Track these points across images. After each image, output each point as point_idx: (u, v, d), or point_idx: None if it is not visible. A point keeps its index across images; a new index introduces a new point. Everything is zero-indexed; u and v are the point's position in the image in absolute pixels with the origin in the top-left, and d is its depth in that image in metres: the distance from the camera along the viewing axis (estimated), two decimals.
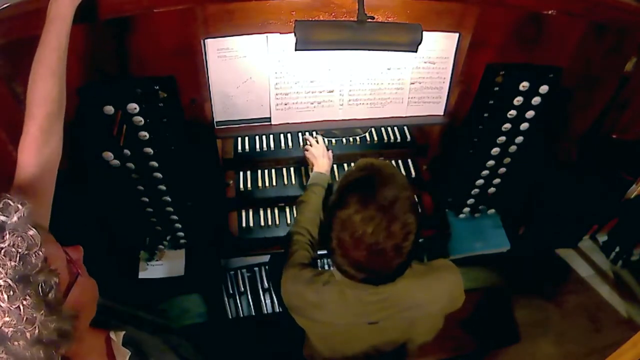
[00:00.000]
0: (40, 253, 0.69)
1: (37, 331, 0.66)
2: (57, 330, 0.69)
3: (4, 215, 0.69)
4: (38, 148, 0.97)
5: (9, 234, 0.67)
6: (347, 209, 0.99)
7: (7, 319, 0.64)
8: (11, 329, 0.64)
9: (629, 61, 1.57)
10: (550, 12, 1.42)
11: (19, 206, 0.71)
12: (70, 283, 0.77)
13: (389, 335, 1.25)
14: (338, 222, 1.00)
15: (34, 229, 0.70)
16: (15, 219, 0.69)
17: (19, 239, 0.67)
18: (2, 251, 0.66)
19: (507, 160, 1.83)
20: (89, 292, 0.84)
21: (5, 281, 0.64)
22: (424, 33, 1.27)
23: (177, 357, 1.13)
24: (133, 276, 1.82)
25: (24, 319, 0.65)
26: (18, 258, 0.66)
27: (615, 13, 1.43)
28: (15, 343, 0.65)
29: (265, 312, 2.09)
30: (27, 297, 0.65)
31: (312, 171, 1.70)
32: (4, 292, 0.64)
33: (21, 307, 0.64)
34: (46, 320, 0.67)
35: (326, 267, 2.19)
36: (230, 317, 2.08)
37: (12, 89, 1.22)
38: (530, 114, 1.65)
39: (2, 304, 0.63)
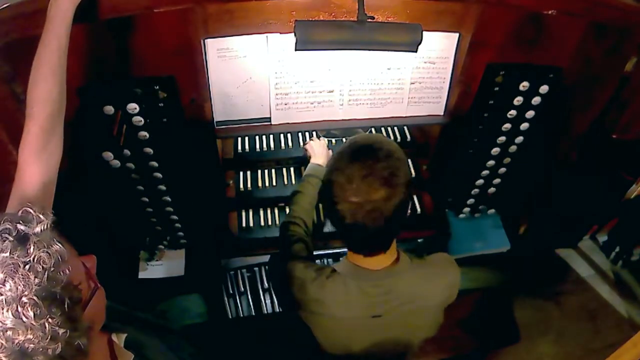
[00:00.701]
0: (67, 270, 0.67)
1: (59, 348, 0.64)
2: (77, 346, 0.68)
3: (25, 225, 0.67)
4: (39, 148, 0.97)
5: (34, 246, 0.65)
6: (340, 166, 1.08)
7: (30, 336, 0.62)
8: (32, 345, 0.62)
9: (629, 61, 1.57)
10: (550, 12, 1.42)
11: (41, 217, 0.68)
12: (89, 297, 0.76)
13: (393, 331, 1.25)
14: (335, 173, 1.09)
15: (58, 244, 0.68)
16: (38, 230, 0.67)
17: (45, 254, 0.65)
18: (27, 266, 0.63)
19: (507, 160, 1.83)
20: (102, 302, 0.83)
21: (30, 298, 0.62)
22: (424, 33, 1.27)
23: (177, 358, 1.12)
24: (133, 276, 1.82)
25: (49, 336, 0.63)
26: (45, 276, 0.64)
27: (615, 13, 1.44)
28: (35, 358, 0.63)
29: (265, 312, 2.09)
30: (53, 315, 0.64)
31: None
32: (30, 309, 0.62)
33: (46, 325, 0.63)
34: (70, 337, 0.66)
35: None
36: (230, 317, 2.07)
37: (12, 89, 1.22)
38: (530, 114, 1.66)
39: (26, 321, 0.61)
